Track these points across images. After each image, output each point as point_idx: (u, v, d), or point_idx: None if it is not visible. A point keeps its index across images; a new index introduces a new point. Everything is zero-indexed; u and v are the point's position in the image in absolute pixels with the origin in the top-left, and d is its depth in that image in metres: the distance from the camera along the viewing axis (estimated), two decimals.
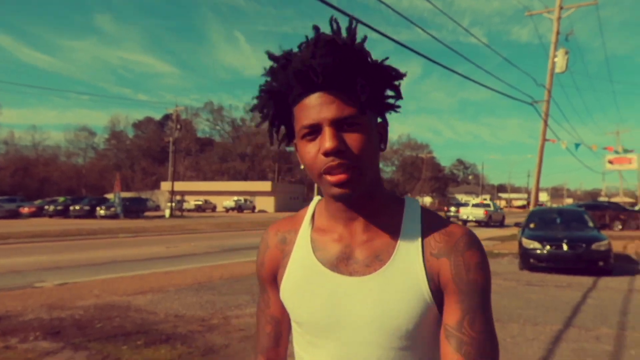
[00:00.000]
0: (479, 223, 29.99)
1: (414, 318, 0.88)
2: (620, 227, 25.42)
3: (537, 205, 20.35)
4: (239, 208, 53.37)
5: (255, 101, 0.96)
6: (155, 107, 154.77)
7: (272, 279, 1.02)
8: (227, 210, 52.91)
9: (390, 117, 0.98)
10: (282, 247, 1.01)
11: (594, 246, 9.99)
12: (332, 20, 0.88)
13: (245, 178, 71.61)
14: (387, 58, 0.92)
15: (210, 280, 8.79)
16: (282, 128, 0.97)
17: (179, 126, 44.30)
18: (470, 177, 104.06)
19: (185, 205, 46.60)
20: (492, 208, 31.60)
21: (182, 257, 12.48)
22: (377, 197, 0.94)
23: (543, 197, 74.76)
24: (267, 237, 1.05)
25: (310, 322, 0.94)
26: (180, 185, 50.45)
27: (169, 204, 38.28)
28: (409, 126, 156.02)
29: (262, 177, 74.63)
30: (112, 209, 33.16)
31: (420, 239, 0.92)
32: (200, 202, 52.73)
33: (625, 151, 33.45)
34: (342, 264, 0.93)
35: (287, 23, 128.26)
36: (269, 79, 0.93)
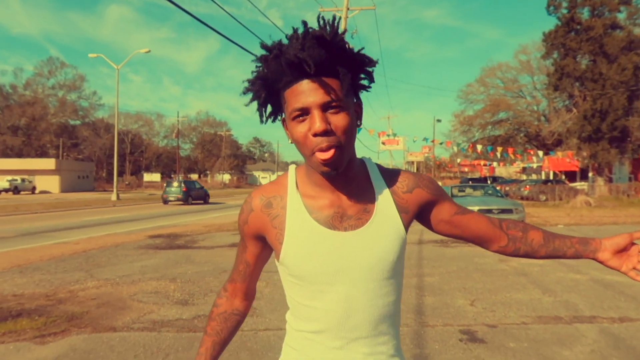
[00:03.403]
0: None
1: (398, 252, 1.13)
2: None
3: None
4: (14, 189, 46.54)
5: (246, 84, 1.11)
6: None
7: (253, 235, 1.19)
8: (0, 191, 45.78)
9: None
10: (267, 211, 1.15)
11: None
12: (320, 17, 1.03)
13: (19, 155, 62.43)
14: (362, 48, 1.08)
15: (30, 262, 8.51)
16: (269, 106, 1.13)
17: None
18: (266, 155, 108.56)
19: None
20: None
21: None
22: (353, 165, 1.12)
23: None
24: (251, 200, 1.18)
25: (316, 273, 1.09)
26: None
27: None
28: (208, 103, 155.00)
29: (43, 154, 66.11)
30: None
31: (387, 187, 1.16)
32: None
33: (394, 134, 40.44)
34: (336, 222, 1.10)
35: None
36: (260, 64, 1.07)
